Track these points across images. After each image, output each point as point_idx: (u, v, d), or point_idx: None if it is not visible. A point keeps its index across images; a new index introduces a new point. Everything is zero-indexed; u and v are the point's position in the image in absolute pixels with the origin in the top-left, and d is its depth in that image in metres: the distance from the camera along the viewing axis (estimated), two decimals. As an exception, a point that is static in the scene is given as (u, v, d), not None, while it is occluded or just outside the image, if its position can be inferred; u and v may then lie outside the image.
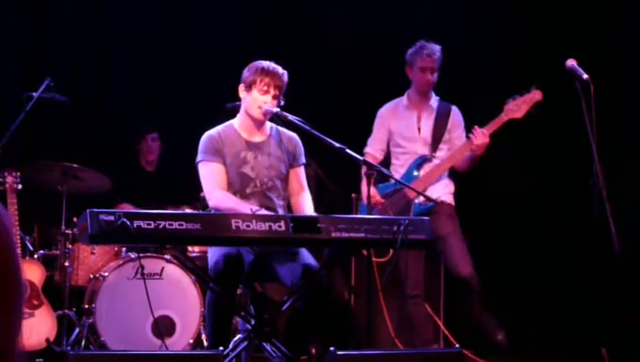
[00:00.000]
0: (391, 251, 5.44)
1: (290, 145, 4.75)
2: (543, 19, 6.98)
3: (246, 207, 4.36)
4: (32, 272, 5.28)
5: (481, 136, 5.25)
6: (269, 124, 4.76)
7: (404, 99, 5.70)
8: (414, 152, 5.56)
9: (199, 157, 4.65)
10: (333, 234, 4.06)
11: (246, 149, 4.65)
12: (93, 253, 5.81)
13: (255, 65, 4.62)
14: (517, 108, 5.30)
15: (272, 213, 4.35)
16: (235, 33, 7.25)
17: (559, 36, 6.67)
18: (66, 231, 5.66)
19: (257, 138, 4.70)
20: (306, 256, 4.50)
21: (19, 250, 5.02)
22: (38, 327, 5.23)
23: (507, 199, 6.88)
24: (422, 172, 5.49)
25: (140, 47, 7.25)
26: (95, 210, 3.78)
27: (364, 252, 5.17)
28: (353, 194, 6.47)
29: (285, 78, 4.61)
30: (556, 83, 5.03)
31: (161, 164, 6.81)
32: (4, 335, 0.90)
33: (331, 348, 4.04)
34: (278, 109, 4.56)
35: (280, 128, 4.79)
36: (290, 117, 4.54)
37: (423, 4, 7.42)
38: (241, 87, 4.65)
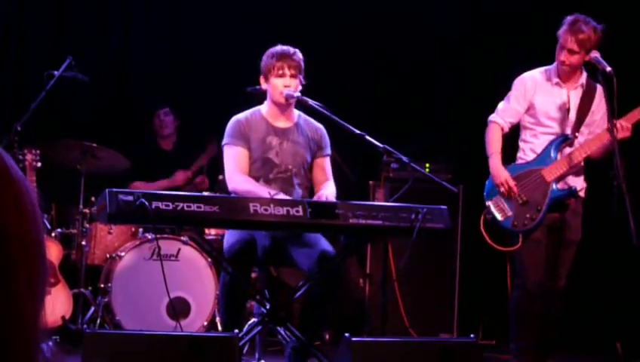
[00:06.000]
0: (520, 240, 4.82)
1: (316, 135, 4.74)
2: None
3: (264, 191, 4.36)
4: (49, 250, 5.30)
5: (623, 130, 4.66)
6: (296, 112, 4.75)
7: (552, 73, 4.88)
8: (558, 133, 4.88)
9: (225, 140, 4.66)
10: (350, 221, 4.06)
11: (272, 135, 4.64)
12: (110, 233, 5.83)
13: (266, 53, 4.63)
14: None
15: (290, 198, 4.35)
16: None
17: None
18: (84, 210, 5.68)
19: (283, 124, 4.69)
20: (323, 242, 4.50)
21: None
22: (54, 305, 5.25)
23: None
24: (560, 154, 4.85)
25: (163, 26, 7.25)
26: (114, 189, 3.82)
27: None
28: (371, 181, 6.47)
29: (298, 56, 4.60)
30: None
31: (179, 145, 6.80)
32: (30, 310, 0.90)
33: (345, 334, 4.05)
34: (299, 94, 4.56)
35: (307, 118, 4.78)
36: (311, 102, 4.53)
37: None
38: (262, 79, 4.66)
